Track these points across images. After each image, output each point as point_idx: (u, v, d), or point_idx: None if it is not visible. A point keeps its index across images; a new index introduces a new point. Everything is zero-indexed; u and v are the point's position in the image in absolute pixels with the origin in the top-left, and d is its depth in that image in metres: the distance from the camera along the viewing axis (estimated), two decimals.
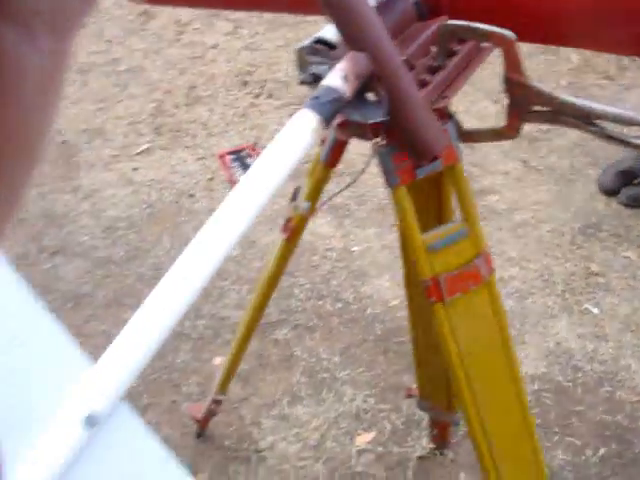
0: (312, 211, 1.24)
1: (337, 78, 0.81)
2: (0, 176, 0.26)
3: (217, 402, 1.84)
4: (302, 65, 0.94)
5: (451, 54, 1.00)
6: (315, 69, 0.92)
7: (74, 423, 0.61)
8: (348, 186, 1.07)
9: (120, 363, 0.65)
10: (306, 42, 0.94)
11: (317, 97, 0.79)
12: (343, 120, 0.97)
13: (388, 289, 2.49)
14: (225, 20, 4.90)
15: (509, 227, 2.68)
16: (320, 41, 0.92)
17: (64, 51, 0.27)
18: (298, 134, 0.77)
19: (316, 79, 0.92)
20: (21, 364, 0.61)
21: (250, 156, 3.30)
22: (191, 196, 3.13)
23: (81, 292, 2.69)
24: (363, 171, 0.99)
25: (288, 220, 1.32)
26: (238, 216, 0.74)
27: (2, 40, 0.23)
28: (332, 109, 0.79)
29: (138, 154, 3.48)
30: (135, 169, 3.38)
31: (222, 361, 2.26)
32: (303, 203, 1.11)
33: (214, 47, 4.57)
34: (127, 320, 0.73)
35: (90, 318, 2.55)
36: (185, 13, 4.85)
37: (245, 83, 4.03)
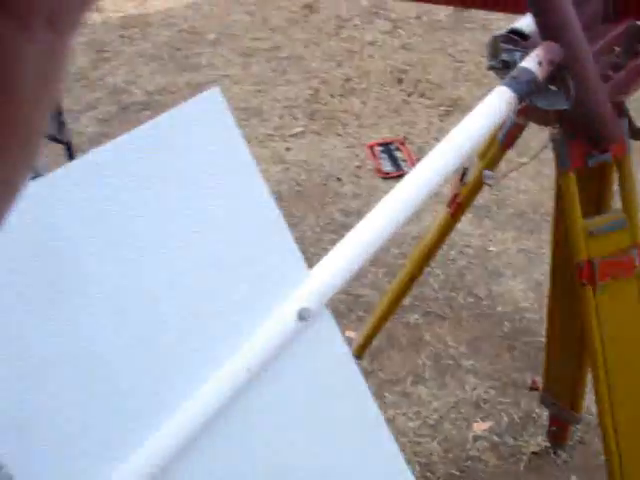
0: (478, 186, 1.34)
1: (533, 62, 0.90)
2: None
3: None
4: (494, 52, 1.04)
5: (635, 55, 1.06)
6: (506, 56, 1.02)
7: (289, 314, 0.75)
8: (523, 165, 1.16)
9: (331, 273, 0.78)
10: (501, 31, 1.04)
11: (515, 77, 0.89)
12: (525, 105, 1.06)
13: (520, 291, 2.54)
14: (385, 19, 5.06)
15: None
16: (514, 31, 1.02)
17: (63, 46, 0.27)
18: (495, 107, 0.88)
19: (505, 65, 1.02)
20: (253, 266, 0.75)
21: (398, 149, 3.44)
22: (338, 180, 3.30)
23: None
24: (537, 155, 1.08)
25: (455, 196, 1.42)
26: (437, 166, 0.85)
27: (1, 35, 0.23)
28: (527, 89, 0.89)
29: (291, 136, 3.69)
30: (288, 149, 3.59)
31: (355, 335, 2.41)
32: (487, 172, 1.21)
33: (372, 44, 4.72)
34: None
35: None
36: (345, 9, 5.05)
37: (399, 80, 4.15)
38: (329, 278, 0.77)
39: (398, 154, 3.37)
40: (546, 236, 2.48)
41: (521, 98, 0.89)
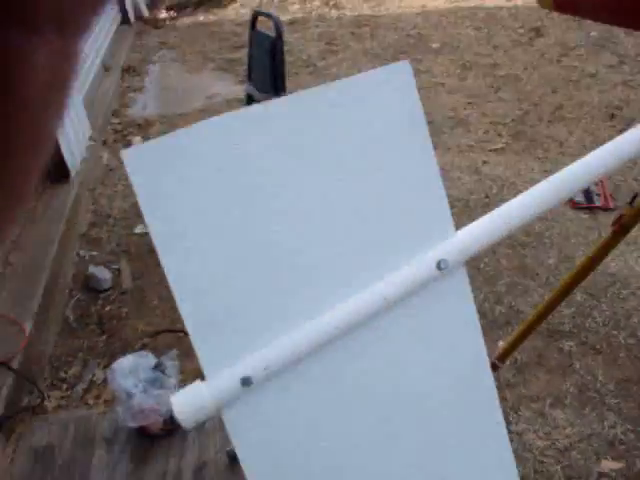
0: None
1: None
2: (8, 172, 0.26)
3: (494, 367, 2.03)
4: None
5: None
6: None
7: (429, 261, 0.88)
8: None
9: (476, 235, 0.90)
10: None
11: None
12: None
13: None
14: (611, 53, 4.92)
15: None
16: None
17: (73, 51, 0.27)
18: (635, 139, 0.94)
19: None
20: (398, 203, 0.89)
21: (595, 183, 3.37)
22: None
23: None
24: None
25: (620, 216, 1.46)
26: (583, 173, 0.93)
27: (11, 39, 0.23)
28: None
29: (491, 150, 3.76)
30: (485, 162, 3.66)
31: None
32: None
33: (592, 76, 4.63)
34: None
35: None
36: (573, 38, 4.97)
37: (612, 116, 4.05)
38: (469, 241, 0.89)
39: (593, 187, 3.31)
40: None
41: None
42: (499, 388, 2.29)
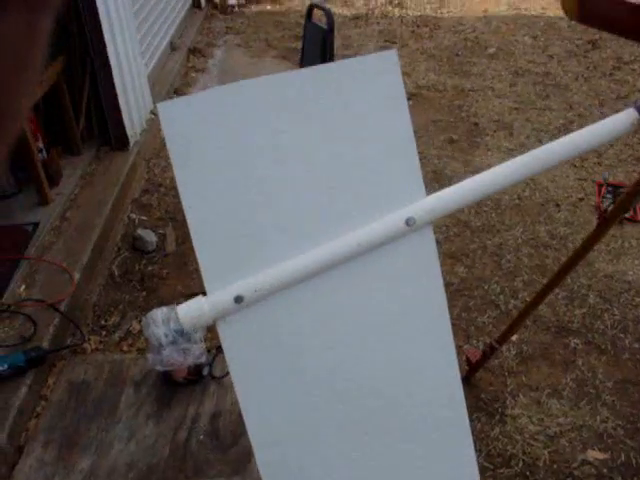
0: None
1: None
2: None
3: (492, 348, 2.17)
4: None
5: None
6: None
7: (399, 217, 1.05)
8: None
9: (442, 200, 1.06)
10: None
11: None
12: None
13: None
14: None
15: None
16: None
17: (38, 25, 0.26)
18: (618, 123, 1.08)
19: None
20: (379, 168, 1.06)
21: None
22: (557, 205, 3.42)
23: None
24: None
25: (605, 209, 1.58)
26: (553, 152, 1.09)
27: None
28: None
29: None
30: None
31: (514, 337, 2.59)
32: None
33: None
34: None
35: None
36: (629, 52, 5.00)
37: None
38: (436, 204, 1.06)
39: None
40: None
41: None
42: (502, 374, 2.44)
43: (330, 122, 1.02)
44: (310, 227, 1.02)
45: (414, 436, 1.10)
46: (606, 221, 1.61)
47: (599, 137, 1.11)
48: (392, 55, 1.03)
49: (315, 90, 1.01)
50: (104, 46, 3.76)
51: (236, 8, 7.63)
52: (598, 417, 2.28)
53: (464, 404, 1.11)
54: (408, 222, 1.05)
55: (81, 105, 3.93)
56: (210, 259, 0.99)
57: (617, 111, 3.43)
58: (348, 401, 1.07)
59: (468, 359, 2.36)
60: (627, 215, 3.31)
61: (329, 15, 3.03)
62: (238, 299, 0.98)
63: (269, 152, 1.00)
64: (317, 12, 3.34)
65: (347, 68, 1.03)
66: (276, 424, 1.05)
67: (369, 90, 1.02)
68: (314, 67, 1.02)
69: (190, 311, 0.99)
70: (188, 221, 0.99)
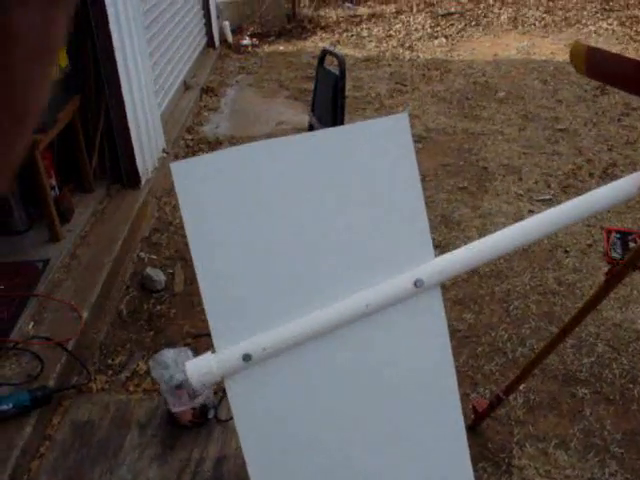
0: None
1: None
2: None
3: (499, 399, 2.16)
4: None
5: None
6: None
7: (408, 279, 1.06)
8: None
9: (450, 262, 1.07)
10: None
11: None
12: None
13: None
14: None
15: None
16: None
17: (57, 20, 0.27)
18: (626, 187, 1.10)
19: None
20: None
21: (634, 241, 3.46)
22: (565, 252, 3.42)
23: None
24: None
25: (613, 266, 1.59)
26: (563, 216, 1.10)
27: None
28: None
29: (539, 200, 3.88)
30: (530, 211, 3.78)
31: (522, 387, 2.58)
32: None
33: None
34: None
35: None
36: (637, 98, 5.04)
37: None
38: (445, 266, 1.07)
39: (632, 245, 3.40)
40: None
41: None
42: (508, 423, 2.42)
43: (341, 184, 1.04)
44: (319, 287, 1.03)
45: None
46: (615, 277, 1.61)
47: (609, 199, 1.12)
48: (403, 118, 1.05)
49: (327, 153, 1.03)
50: (118, 85, 3.82)
51: (249, 48, 7.76)
52: (606, 470, 2.25)
53: (471, 472, 1.11)
54: (417, 284, 1.06)
55: (94, 143, 3.98)
56: (219, 316, 1.01)
57: (625, 157, 3.47)
58: (353, 465, 1.07)
59: (475, 408, 2.34)
60: None
61: (341, 61, 3.08)
62: (246, 357, 0.99)
63: (279, 213, 1.02)
64: (329, 57, 3.40)
65: (359, 131, 1.06)
66: None
67: (380, 153, 1.04)
68: (326, 130, 1.05)
69: (198, 368, 1.00)
70: (198, 278, 1.00)
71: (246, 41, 7.88)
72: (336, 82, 3.14)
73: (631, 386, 2.57)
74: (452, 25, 8.24)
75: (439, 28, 8.13)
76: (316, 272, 1.05)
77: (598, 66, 1.68)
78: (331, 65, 3.39)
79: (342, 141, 1.04)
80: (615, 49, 6.86)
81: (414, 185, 1.06)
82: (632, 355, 2.72)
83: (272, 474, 1.05)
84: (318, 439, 1.05)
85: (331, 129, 1.06)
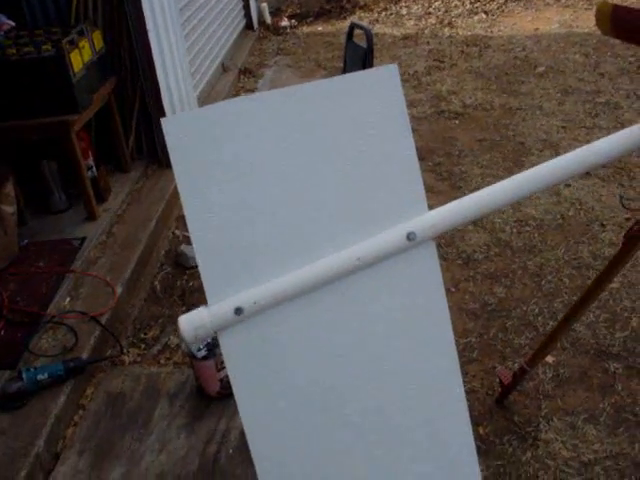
0: None
1: None
2: None
3: (523, 371, 2.13)
4: None
5: None
6: None
7: (400, 232, 1.05)
8: None
9: (443, 216, 1.06)
10: None
11: None
12: None
13: None
14: None
15: None
16: None
17: None
18: (625, 139, 1.07)
19: None
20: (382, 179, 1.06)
21: None
22: (602, 225, 3.34)
23: (473, 257, 3.18)
24: None
25: (629, 230, 1.55)
26: (564, 166, 1.08)
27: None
28: None
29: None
30: (567, 185, 3.70)
31: (551, 360, 2.54)
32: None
33: None
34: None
35: (468, 278, 3.03)
36: None
37: None
38: (438, 219, 1.05)
39: None
40: None
41: None
42: (536, 397, 2.39)
43: (332, 136, 1.03)
44: (311, 241, 1.04)
45: (417, 450, 1.10)
46: (635, 237, 1.57)
47: (609, 152, 1.09)
48: (392, 69, 1.04)
49: (317, 105, 1.03)
50: (153, 67, 3.87)
51: (288, 29, 7.75)
52: (637, 445, 2.20)
53: (468, 418, 1.10)
54: (409, 237, 1.05)
55: (131, 124, 4.05)
56: (212, 271, 1.02)
57: None
58: (349, 414, 1.07)
59: (501, 381, 2.32)
60: None
61: (369, 35, 3.06)
62: (238, 311, 1.00)
63: (271, 167, 1.02)
64: (359, 32, 3.37)
65: (349, 83, 1.05)
66: (275, 435, 1.06)
67: (370, 104, 1.03)
68: (317, 82, 1.04)
69: (191, 322, 1.01)
70: (190, 233, 1.01)
71: (285, 22, 7.87)
72: (365, 56, 3.12)
73: None
74: (493, 0, 8.07)
75: (479, 4, 7.97)
76: (308, 226, 1.05)
77: (622, 23, 1.63)
78: (360, 42, 3.36)
79: (331, 92, 1.04)
80: None
81: (406, 137, 1.05)
82: None
83: (267, 428, 1.06)
84: (313, 392, 1.06)
85: (321, 81, 1.05)
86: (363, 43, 3.19)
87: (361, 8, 8.35)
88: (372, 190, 1.05)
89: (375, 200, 1.06)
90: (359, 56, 3.17)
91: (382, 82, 1.04)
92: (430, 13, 7.84)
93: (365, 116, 1.05)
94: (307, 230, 1.04)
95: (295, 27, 7.83)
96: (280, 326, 1.03)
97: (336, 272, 1.04)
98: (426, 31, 7.08)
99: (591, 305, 1.93)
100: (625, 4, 1.66)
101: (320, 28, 7.78)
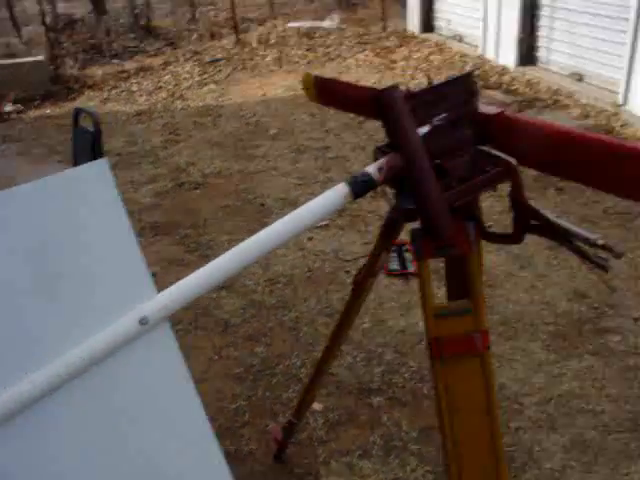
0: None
1: (375, 168, 1.18)
2: None
3: (291, 424, 2.18)
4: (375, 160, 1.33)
5: (483, 172, 1.31)
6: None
7: (133, 318, 1.03)
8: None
9: (174, 295, 1.06)
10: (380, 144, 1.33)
11: (355, 177, 1.17)
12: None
13: None
14: None
15: (620, 367, 2.76)
16: (388, 145, 1.30)
17: None
18: (332, 198, 1.17)
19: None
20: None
21: (409, 251, 3.70)
22: (346, 272, 3.57)
23: (230, 322, 3.22)
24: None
25: (356, 276, 1.69)
26: (274, 235, 1.14)
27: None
28: (362, 187, 1.17)
29: (317, 227, 4.02)
30: (310, 239, 3.92)
31: (319, 407, 2.63)
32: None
33: None
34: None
35: (230, 344, 3.05)
36: None
37: None
38: (168, 300, 1.05)
39: (407, 255, 3.63)
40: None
41: (356, 194, 1.16)
42: (311, 445, 2.45)
43: (48, 238, 0.99)
44: (35, 350, 0.97)
45: None
46: (359, 285, 1.70)
47: (318, 213, 1.17)
48: (102, 163, 1.03)
49: (24, 212, 0.98)
50: None
51: (13, 114, 7.36)
52: (408, 467, 2.35)
53: None
54: (142, 321, 1.03)
55: None
56: None
57: None
58: None
59: (275, 438, 2.35)
60: (411, 270, 3.53)
61: (96, 118, 3.02)
62: None
63: None
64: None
65: (60, 181, 1.02)
66: None
67: (83, 202, 1.01)
68: (18, 188, 0.99)
69: None
70: None
71: (9, 107, 7.47)
72: (93, 140, 3.06)
73: (420, 385, 2.72)
74: (220, 71, 8.42)
75: (207, 75, 8.27)
76: (28, 335, 0.98)
77: (322, 91, 1.78)
78: (87, 125, 3.30)
79: (43, 194, 1.00)
80: (374, 77, 7.39)
81: (124, 228, 1.04)
82: (418, 356, 2.88)
83: None
84: None
85: (22, 186, 1.01)
86: (92, 126, 3.14)
87: (90, 87, 8.22)
88: (97, 285, 1.03)
89: (103, 295, 1.03)
90: (88, 140, 3.10)
91: (93, 178, 1.03)
92: (161, 87, 7.94)
93: (79, 215, 1.02)
94: (28, 339, 0.98)
95: (21, 112, 7.46)
96: (19, 438, 0.95)
97: (62, 377, 0.98)
98: (159, 105, 7.15)
99: (338, 349, 2.03)
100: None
101: (48, 111, 7.50)
